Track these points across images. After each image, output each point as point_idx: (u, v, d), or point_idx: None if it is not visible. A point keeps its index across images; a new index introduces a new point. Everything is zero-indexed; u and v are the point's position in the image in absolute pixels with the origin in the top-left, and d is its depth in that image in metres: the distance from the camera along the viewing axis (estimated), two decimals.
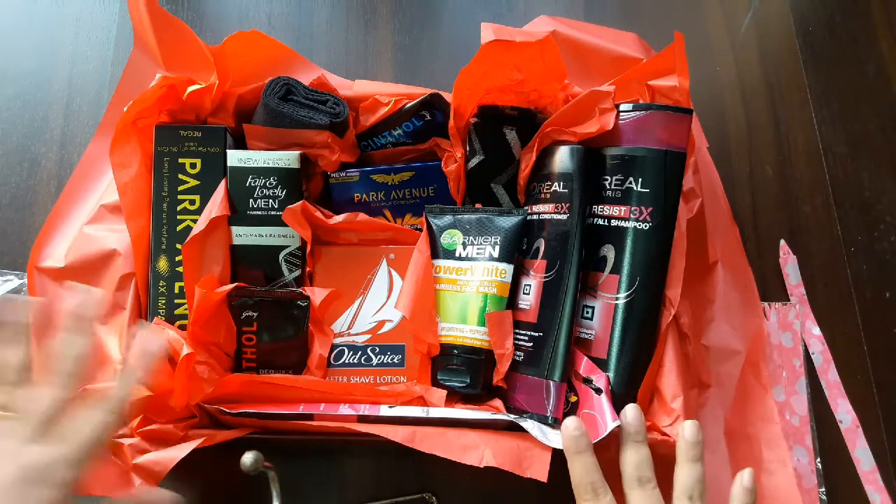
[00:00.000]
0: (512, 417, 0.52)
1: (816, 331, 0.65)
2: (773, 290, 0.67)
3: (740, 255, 0.65)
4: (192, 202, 0.57)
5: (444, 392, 0.55)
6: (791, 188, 0.70)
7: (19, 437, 0.40)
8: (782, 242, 0.68)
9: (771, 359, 0.63)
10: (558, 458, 0.48)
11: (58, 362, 0.42)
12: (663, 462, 0.55)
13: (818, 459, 0.61)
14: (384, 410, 0.52)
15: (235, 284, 0.56)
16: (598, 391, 0.52)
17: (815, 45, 0.75)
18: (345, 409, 0.52)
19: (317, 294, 0.57)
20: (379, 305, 0.59)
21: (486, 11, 0.76)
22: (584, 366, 0.54)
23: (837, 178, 0.70)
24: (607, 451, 0.52)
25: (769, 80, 0.74)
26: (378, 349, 0.58)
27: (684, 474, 0.48)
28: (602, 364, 0.54)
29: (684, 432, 0.49)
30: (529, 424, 0.51)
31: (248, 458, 0.46)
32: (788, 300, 0.66)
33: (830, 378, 0.64)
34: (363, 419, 0.51)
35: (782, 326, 0.65)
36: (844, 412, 0.63)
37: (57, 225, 0.61)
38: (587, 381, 0.53)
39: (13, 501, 0.38)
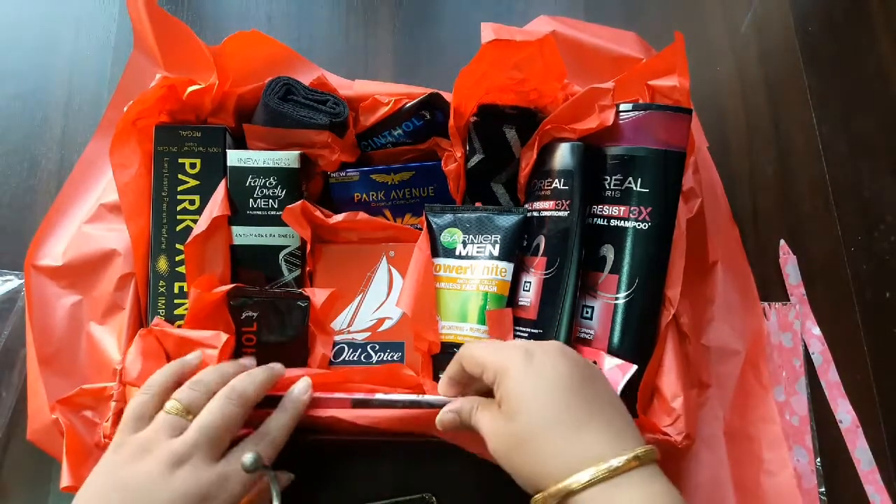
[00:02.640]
0: None
1: (816, 331, 0.65)
2: (772, 290, 0.66)
3: (740, 255, 0.65)
4: (191, 202, 0.57)
5: None
6: (791, 188, 0.70)
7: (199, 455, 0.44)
8: (782, 242, 0.68)
9: (771, 359, 0.63)
10: None
11: (240, 382, 0.48)
12: (663, 459, 0.54)
13: (818, 459, 0.61)
14: (379, 396, 0.51)
15: (234, 285, 0.56)
16: None
17: (814, 45, 0.75)
18: (339, 395, 0.52)
19: (317, 295, 0.57)
20: (379, 303, 0.59)
21: (486, 11, 0.76)
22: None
23: (837, 178, 0.70)
24: None
25: (769, 79, 0.74)
26: (378, 346, 0.58)
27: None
28: None
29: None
30: None
31: (248, 458, 0.46)
32: (788, 300, 0.66)
33: (830, 378, 0.64)
34: (357, 403, 0.51)
35: (782, 326, 0.65)
36: (844, 412, 0.63)
37: (55, 223, 0.61)
38: None
39: None
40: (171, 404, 0.46)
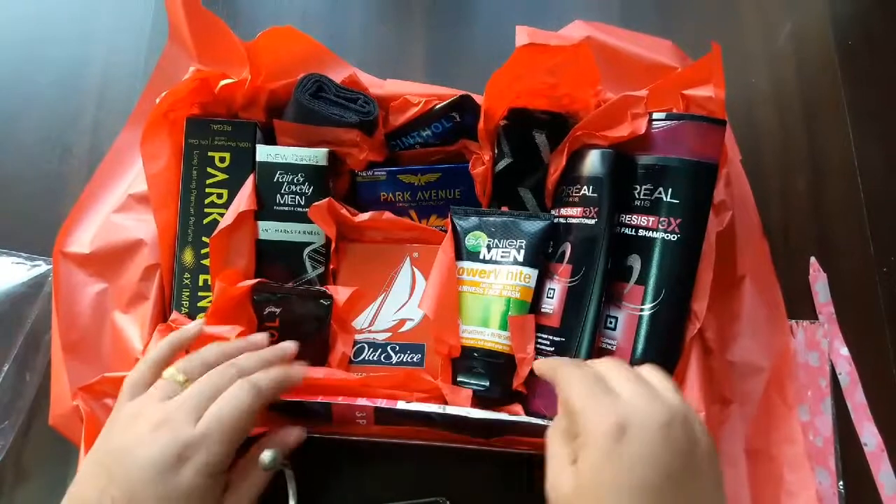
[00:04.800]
0: (530, 419, 0.51)
1: (844, 351, 0.64)
2: (801, 307, 0.65)
3: (769, 271, 0.64)
4: (219, 196, 0.58)
5: (470, 391, 0.54)
6: (824, 205, 0.69)
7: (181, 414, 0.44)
8: (812, 260, 0.66)
9: (796, 377, 0.62)
10: None
11: (244, 360, 0.48)
12: None
13: (841, 482, 0.60)
14: (401, 405, 0.51)
15: (258, 280, 0.56)
16: None
17: (853, 60, 0.73)
18: (362, 402, 0.52)
19: (340, 293, 0.57)
20: (401, 304, 0.59)
21: (520, 14, 0.75)
22: None
23: (872, 196, 0.69)
24: None
25: (805, 93, 0.72)
26: (398, 347, 0.58)
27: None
28: None
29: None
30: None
31: (266, 455, 0.47)
32: (816, 318, 0.65)
33: (857, 400, 0.62)
34: (379, 411, 0.51)
35: (809, 345, 0.64)
36: (870, 435, 0.62)
37: (84, 211, 0.61)
38: None
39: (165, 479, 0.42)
40: (168, 371, 0.47)
